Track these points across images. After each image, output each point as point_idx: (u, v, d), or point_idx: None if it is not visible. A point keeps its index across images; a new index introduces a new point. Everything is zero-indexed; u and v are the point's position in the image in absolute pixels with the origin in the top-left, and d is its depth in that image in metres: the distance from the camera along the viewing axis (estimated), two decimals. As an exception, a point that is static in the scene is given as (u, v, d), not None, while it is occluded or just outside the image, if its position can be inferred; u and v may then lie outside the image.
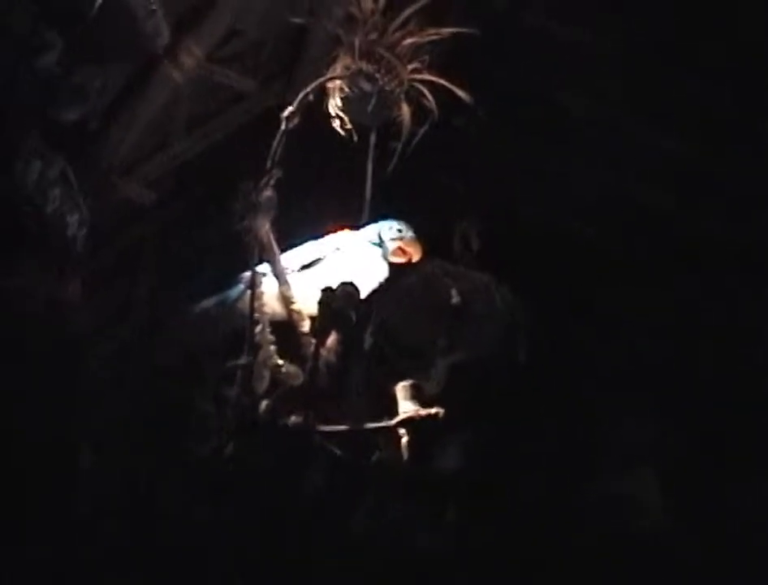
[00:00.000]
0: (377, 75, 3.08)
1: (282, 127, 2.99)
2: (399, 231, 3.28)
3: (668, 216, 4.04)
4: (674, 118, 3.74)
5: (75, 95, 3.01)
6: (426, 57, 3.14)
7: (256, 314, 2.94)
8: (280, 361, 2.93)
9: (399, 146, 3.13)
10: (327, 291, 2.82)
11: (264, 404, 2.90)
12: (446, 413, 2.87)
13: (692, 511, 3.86)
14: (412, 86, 3.13)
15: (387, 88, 3.10)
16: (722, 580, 3.69)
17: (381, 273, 3.24)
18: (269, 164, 2.94)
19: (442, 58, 3.18)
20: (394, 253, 3.27)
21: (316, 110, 3.11)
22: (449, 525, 3.36)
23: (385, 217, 3.31)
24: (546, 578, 3.68)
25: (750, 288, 4.04)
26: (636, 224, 4.10)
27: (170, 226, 3.90)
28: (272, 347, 2.94)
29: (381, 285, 3.23)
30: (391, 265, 3.28)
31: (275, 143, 2.97)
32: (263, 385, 2.90)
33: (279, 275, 3.06)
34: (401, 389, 2.92)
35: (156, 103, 3.39)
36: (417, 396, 2.91)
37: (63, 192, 2.95)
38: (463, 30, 3.08)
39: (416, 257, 3.30)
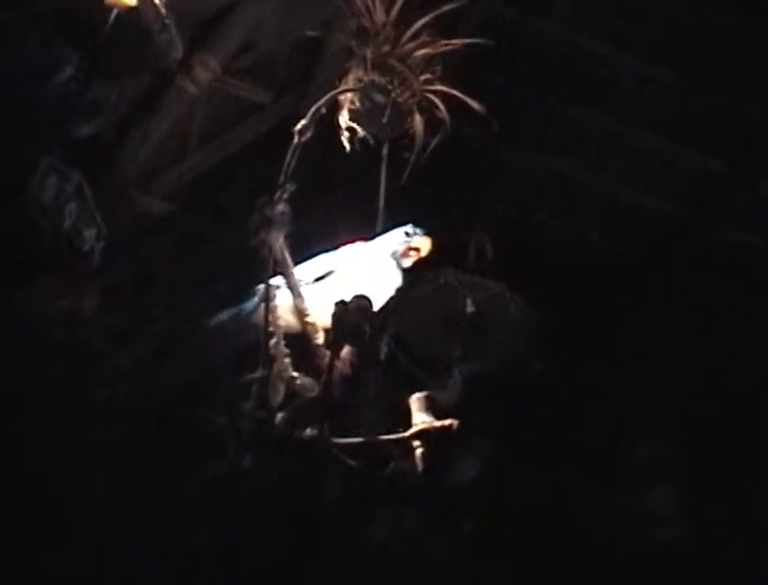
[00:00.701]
0: (390, 87, 3.08)
1: (295, 140, 2.99)
2: (407, 234, 3.27)
3: (684, 225, 4.02)
4: (692, 130, 3.73)
5: (90, 110, 3.03)
6: (438, 68, 3.13)
7: (271, 327, 2.94)
8: (295, 374, 2.93)
9: (413, 157, 3.13)
10: (340, 304, 2.81)
11: (279, 416, 2.90)
12: (461, 424, 2.86)
13: (710, 522, 3.84)
14: (425, 97, 3.13)
15: (400, 99, 3.09)
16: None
17: (395, 282, 3.23)
18: (282, 178, 2.94)
19: (455, 69, 3.18)
20: (404, 255, 3.26)
21: (328, 122, 3.11)
22: (464, 535, 3.36)
23: (397, 227, 3.31)
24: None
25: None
26: (651, 233, 4.09)
27: (186, 238, 3.91)
28: (287, 359, 2.93)
29: (395, 295, 3.22)
30: (405, 272, 3.27)
31: (288, 156, 2.96)
32: (278, 398, 2.90)
33: (293, 287, 3.05)
34: (415, 401, 2.91)
35: (171, 116, 3.41)
36: (432, 407, 2.90)
37: (80, 206, 2.97)
38: (476, 41, 3.08)
39: (425, 252, 3.28)
